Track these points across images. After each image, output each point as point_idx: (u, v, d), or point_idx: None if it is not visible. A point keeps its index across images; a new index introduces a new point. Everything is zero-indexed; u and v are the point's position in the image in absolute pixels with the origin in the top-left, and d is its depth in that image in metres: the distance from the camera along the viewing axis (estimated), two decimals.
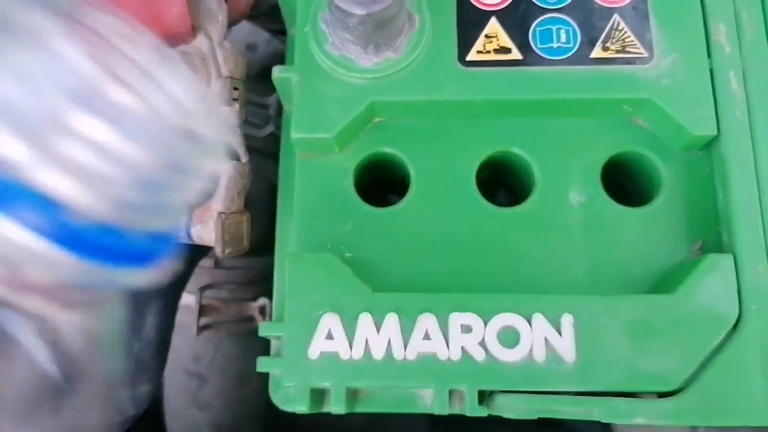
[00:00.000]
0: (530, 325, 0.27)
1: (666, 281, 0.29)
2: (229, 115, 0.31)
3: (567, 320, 0.27)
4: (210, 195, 0.23)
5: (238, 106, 0.32)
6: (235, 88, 0.32)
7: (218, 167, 0.10)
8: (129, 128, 0.10)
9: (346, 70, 0.30)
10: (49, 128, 0.10)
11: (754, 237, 0.28)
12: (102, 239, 0.11)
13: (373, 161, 0.32)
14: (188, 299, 0.47)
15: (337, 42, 0.30)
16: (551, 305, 0.27)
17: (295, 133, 0.30)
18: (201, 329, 0.48)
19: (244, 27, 0.36)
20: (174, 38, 0.30)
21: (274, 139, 0.41)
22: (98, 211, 0.10)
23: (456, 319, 0.27)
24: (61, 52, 0.10)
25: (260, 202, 0.42)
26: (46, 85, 0.10)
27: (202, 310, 0.48)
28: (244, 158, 0.33)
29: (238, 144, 0.32)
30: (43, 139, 0.10)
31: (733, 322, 0.27)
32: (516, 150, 0.31)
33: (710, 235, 0.30)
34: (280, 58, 0.37)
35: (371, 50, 0.30)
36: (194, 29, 0.31)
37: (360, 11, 0.27)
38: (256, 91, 0.45)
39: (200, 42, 0.31)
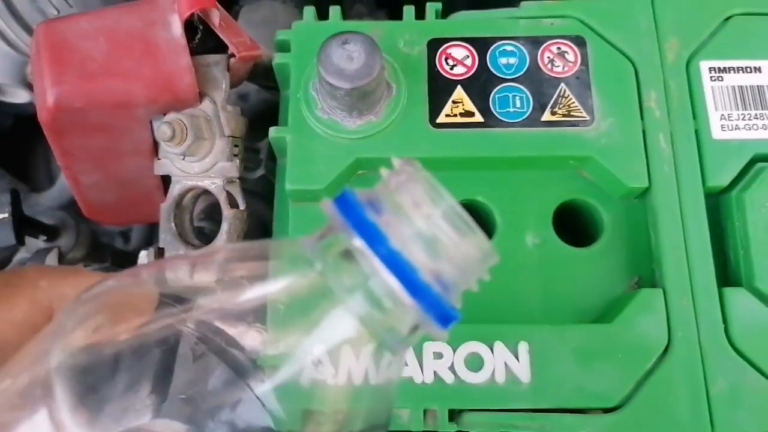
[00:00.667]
0: (492, 351, 0.32)
1: (607, 312, 0.34)
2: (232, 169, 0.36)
3: (523, 347, 0.32)
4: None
5: (238, 161, 0.36)
6: (236, 146, 0.37)
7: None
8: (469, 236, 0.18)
9: (334, 131, 0.35)
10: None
11: (680, 274, 0.33)
12: (441, 303, 0.17)
13: None
14: None
15: (326, 107, 0.35)
16: (510, 334, 0.32)
17: (290, 186, 0.34)
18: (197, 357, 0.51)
19: None
20: (183, 103, 0.35)
21: (265, 181, 0.45)
22: (443, 282, 0.17)
23: (429, 347, 0.32)
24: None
25: (252, 239, 0.47)
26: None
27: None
28: (243, 206, 0.37)
29: (237, 193, 0.37)
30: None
31: (663, 348, 0.32)
32: (480, 198, 0.36)
33: (645, 271, 0.35)
34: (270, 107, 0.41)
35: (355, 115, 0.34)
36: (201, 95, 0.35)
37: (346, 86, 0.32)
38: (249, 137, 0.50)
39: (206, 106, 0.36)
